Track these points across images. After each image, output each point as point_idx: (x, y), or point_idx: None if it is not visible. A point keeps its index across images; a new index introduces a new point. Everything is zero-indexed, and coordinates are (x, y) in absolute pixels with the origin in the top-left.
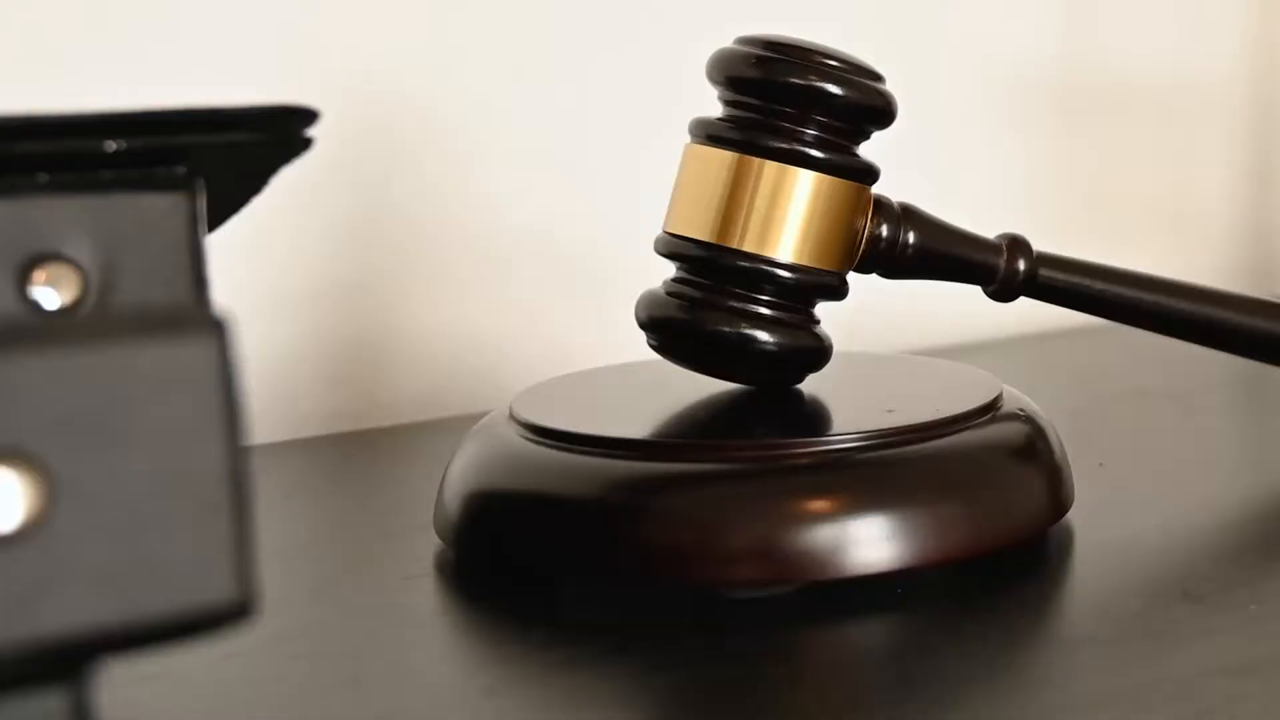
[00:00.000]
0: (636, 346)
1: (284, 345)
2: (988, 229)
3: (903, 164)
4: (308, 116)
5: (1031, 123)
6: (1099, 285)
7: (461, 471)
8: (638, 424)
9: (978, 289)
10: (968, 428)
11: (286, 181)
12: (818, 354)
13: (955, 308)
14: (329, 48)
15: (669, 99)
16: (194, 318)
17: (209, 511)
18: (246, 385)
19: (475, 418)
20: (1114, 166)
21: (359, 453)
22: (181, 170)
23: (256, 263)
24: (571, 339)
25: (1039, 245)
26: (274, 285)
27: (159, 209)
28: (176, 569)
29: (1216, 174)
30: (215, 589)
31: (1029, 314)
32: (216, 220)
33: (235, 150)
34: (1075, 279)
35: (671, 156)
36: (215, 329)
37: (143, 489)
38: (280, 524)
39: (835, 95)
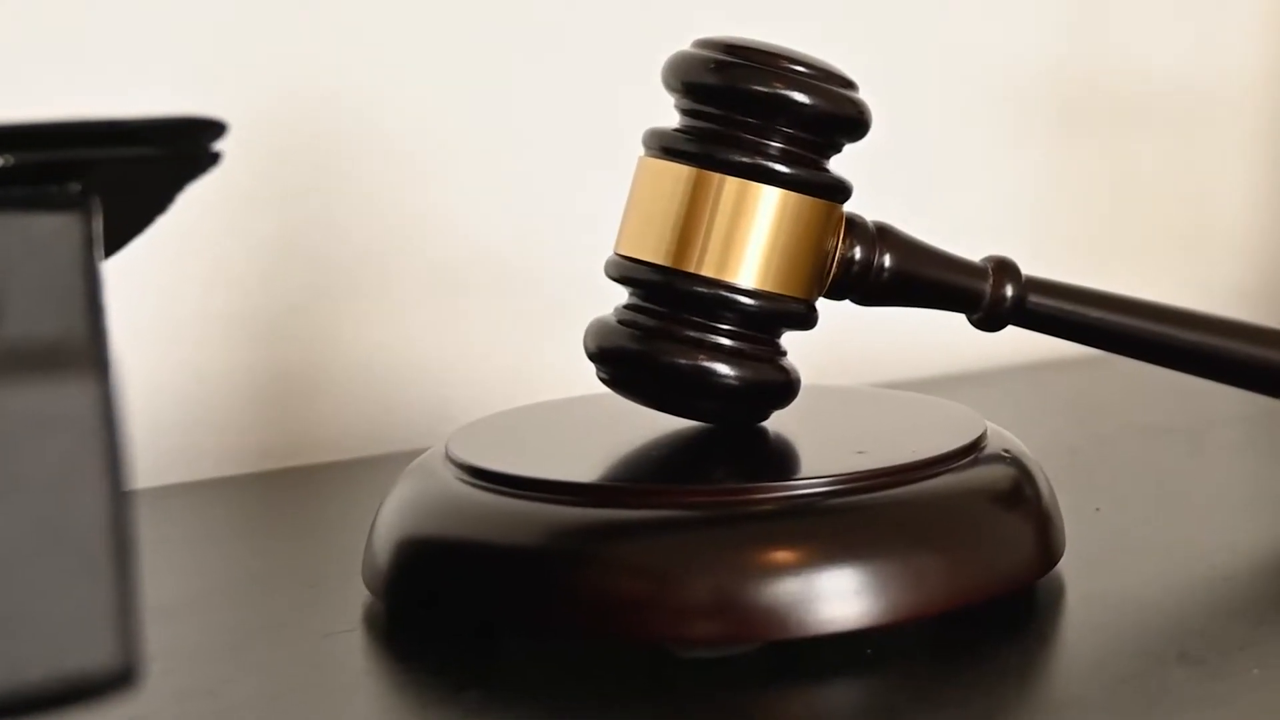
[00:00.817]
0: (594, 379)
1: (206, 375)
2: (979, 252)
3: (880, 180)
4: (215, 129)
5: (1028, 134)
6: (1094, 313)
7: (393, 516)
8: (585, 465)
9: (961, 317)
10: (947, 470)
11: (212, 196)
12: (783, 389)
13: (937, 337)
14: (260, 54)
15: (628, 108)
16: (73, 354)
17: (87, 567)
18: (133, 427)
19: (416, 455)
20: (1121, 182)
21: (286, 493)
22: (75, 188)
23: (176, 285)
24: (522, 370)
25: (1036, 270)
26: (196, 309)
27: (49, 230)
28: (51, 631)
29: (1235, 189)
30: (94, 653)
31: (1019, 344)
32: (116, 242)
33: (135, 165)
34: (1068, 306)
35: (623, 172)
36: (97, 366)
37: (13, 542)
38: (195, 571)
39: (802, 104)
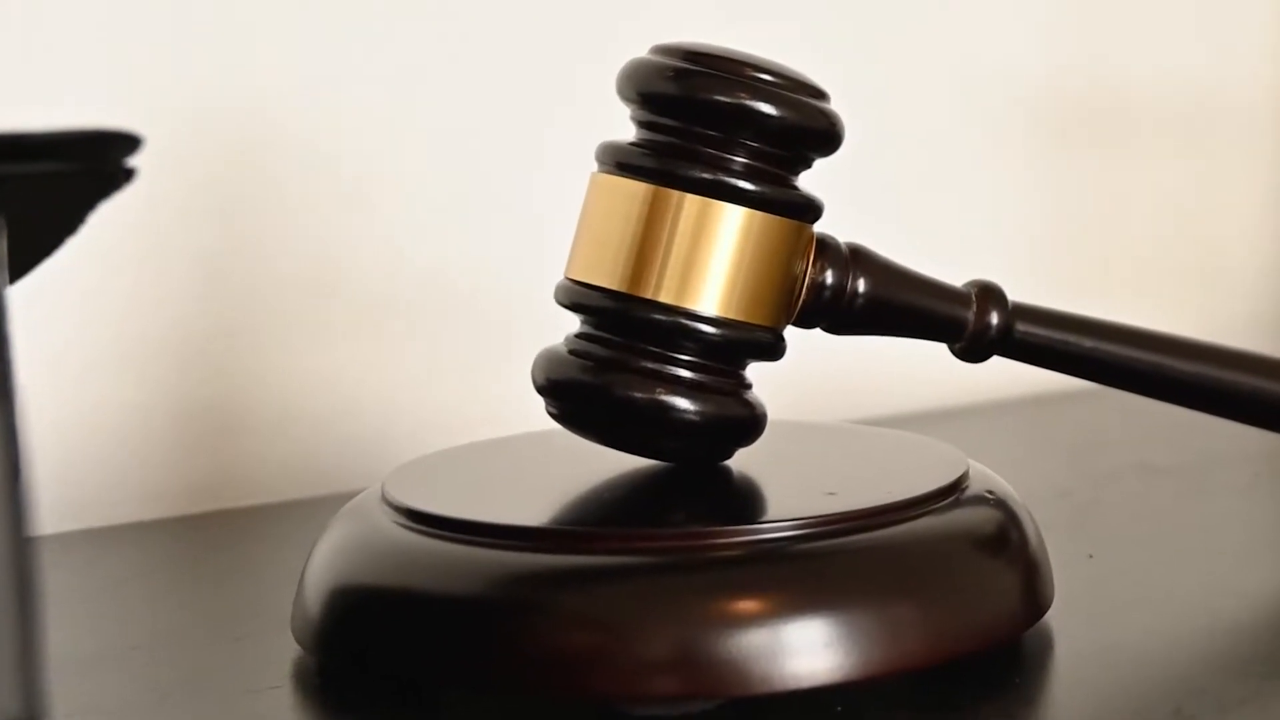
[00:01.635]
0: (543, 414)
1: (124, 409)
2: (962, 277)
3: (854, 198)
4: (128, 143)
5: (1018, 148)
6: (1088, 342)
7: (325, 563)
8: (533, 507)
9: (942, 347)
10: (926, 513)
11: (130, 216)
12: (748, 425)
13: (915, 369)
14: (188, 67)
15: (579, 120)
16: None
17: None
18: (43, 466)
19: (351, 497)
20: (1119, 201)
21: (211, 538)
22: None
23: (91, 312)
24: (465, 404)
25: (1024, 296)
26: (113, 338)
27: None
28: None
29: (1244, 208)
30: None
31: (1005, 376)
32: (22, 265)
33: (42, 182)
34: (1058, 335)
35: (576, 190)
36: None
37: None
38: (114, 622)
39: (769, 115)
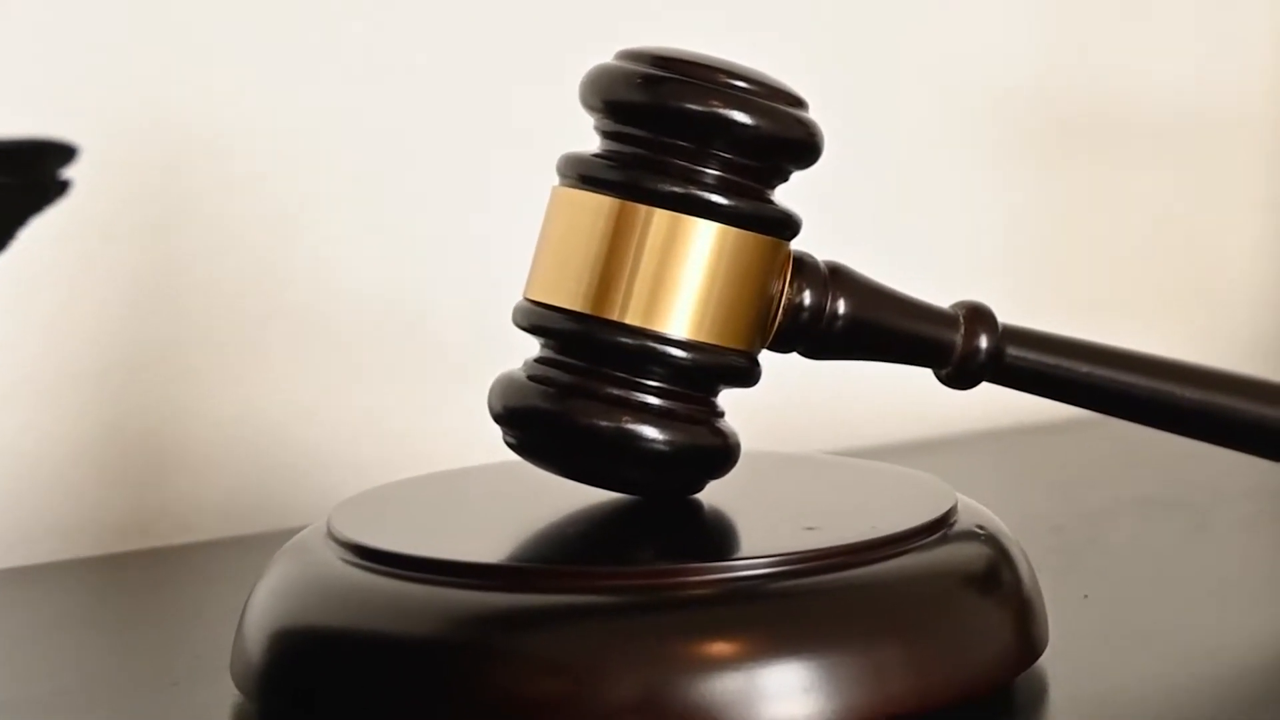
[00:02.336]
0: (501, 444)
1: (48, 440)
2: (949, 297)
3: (834, 213)
4: (63, 153)
5: (1008, 161)
6: (1083, 368)
7: (266, 603)
8: (490, 543)
9: (928, 372)
10: (911, 550)
11: (55, 231)
12: (720, 455)
13: (900, 396)
14: (117, 77)
15: (539, 129)
16: None
17: None
18: None
19: (294, 533)
20: (1115, 217)
21: (143, 578)
22: None
23: (14, 335)
24: (416, 433)
25: (1016, 318)
26: (37, 363)
27: None
28: None
29: (1247, 226)
30: None
31: (995, 404)
32: None
33: None
34: (1052, 360)
35: (536, 202)
36: None
37: None
38: (40, 668)
39: (744, 125)
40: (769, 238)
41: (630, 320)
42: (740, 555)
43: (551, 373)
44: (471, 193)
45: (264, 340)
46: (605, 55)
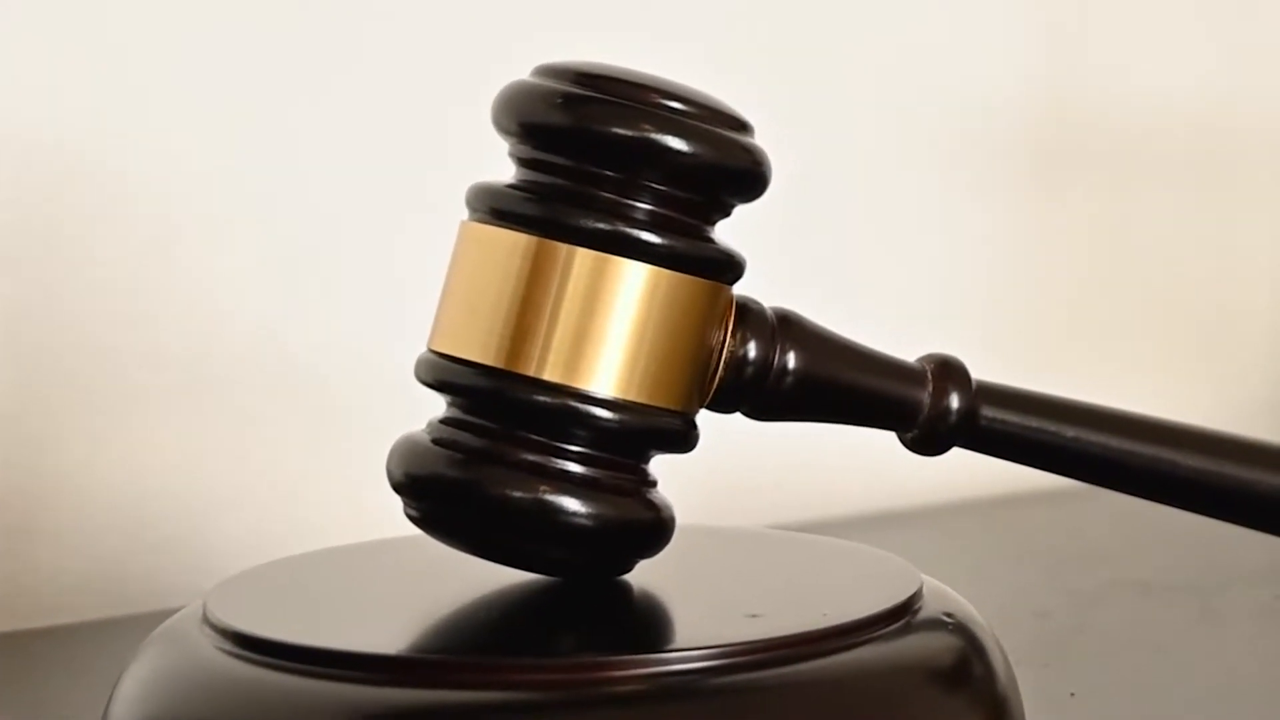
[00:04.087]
0: (402, 516)
1: None
2: (916, 349)
3: (784, 253)
4: None
5: (986, 191)
6: (1069, 431)
7: (134, 697)
8: (390, 632)
9: (892, 436)
10: (870, 640)
11: None
12: (652, 530)
13: (859, 463)
14: None
15: (446, 156)
16: None
17: None
18: None
19: (166, 617)
20: (1111, 252)
21: None
22: None
23: None
24: (305, 502)
25: (993, 373)
26: None
27: None
28: None
29: (1262, 263)
30: None
31: (968, 471)
32: None
33: None
34: (1033, 421)
35: (443, 239)
36: None
37: None
38: None
39: (679, 152)
40: (708, 281)
41: (549, 376)
42: (674, 646)
43: (459, 435)
44: (373, 224)
45: (133, 392)
46: (522, 71)
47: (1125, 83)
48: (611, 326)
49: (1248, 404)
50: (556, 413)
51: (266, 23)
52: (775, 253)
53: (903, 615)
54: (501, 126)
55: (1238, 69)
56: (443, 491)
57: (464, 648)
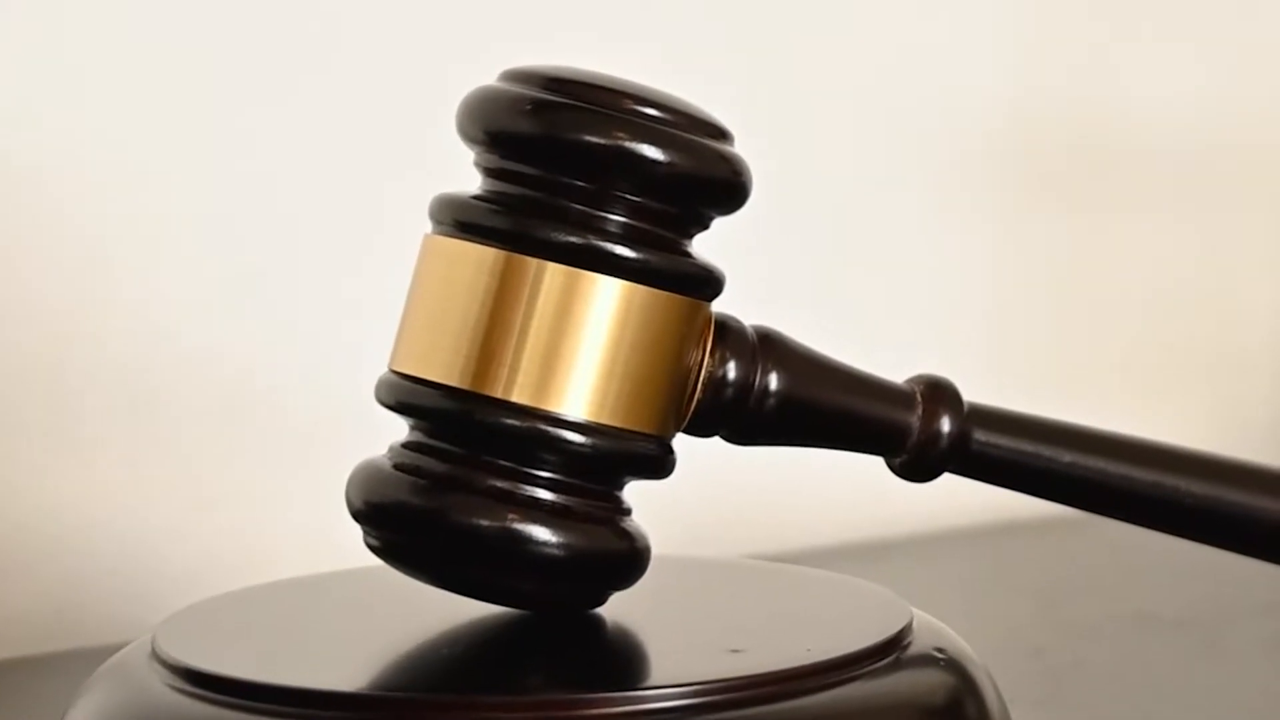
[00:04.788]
0: (362, 546)
1: None
2: (905, 370)
3: (766, 268)
4: None
5: (978, 206)
6: (1065, 456)
7: None
8: (348, 668)
9: (879, 461)
10: (858, 677)
11: None
12: (626, 561)
13: (846, 490)
14: None
15: (407, 166)
16: None
17: None
18: None
19: (113, 652)
20: (1107, 271)
21: None
22: None
23: None
24: (260, 532)
25: (986, 396)
26: None
27: None
28: None
29: (1264, 280)
30: None
31: (960, 499)
32: None
33: None
34: (1028, 446)
35: (406, 253)
36: None
37: None
38: None
39: (654, 161)
40: (685, 298)
41: (518, 398)
42: (650, 684)
43: (422, 461)
44: (330, 235)
45: (73, 414)
46: (489, 75)
47: (1122, 95)
48: (583, 345)
49: (1250, 426)
50: (525, 436)
51: (216, 22)
52: (756, 268)
53: (892, 651)
54: (467, 134)
55: (1239, 79)
56: (405, 520)
57: (427, 685)
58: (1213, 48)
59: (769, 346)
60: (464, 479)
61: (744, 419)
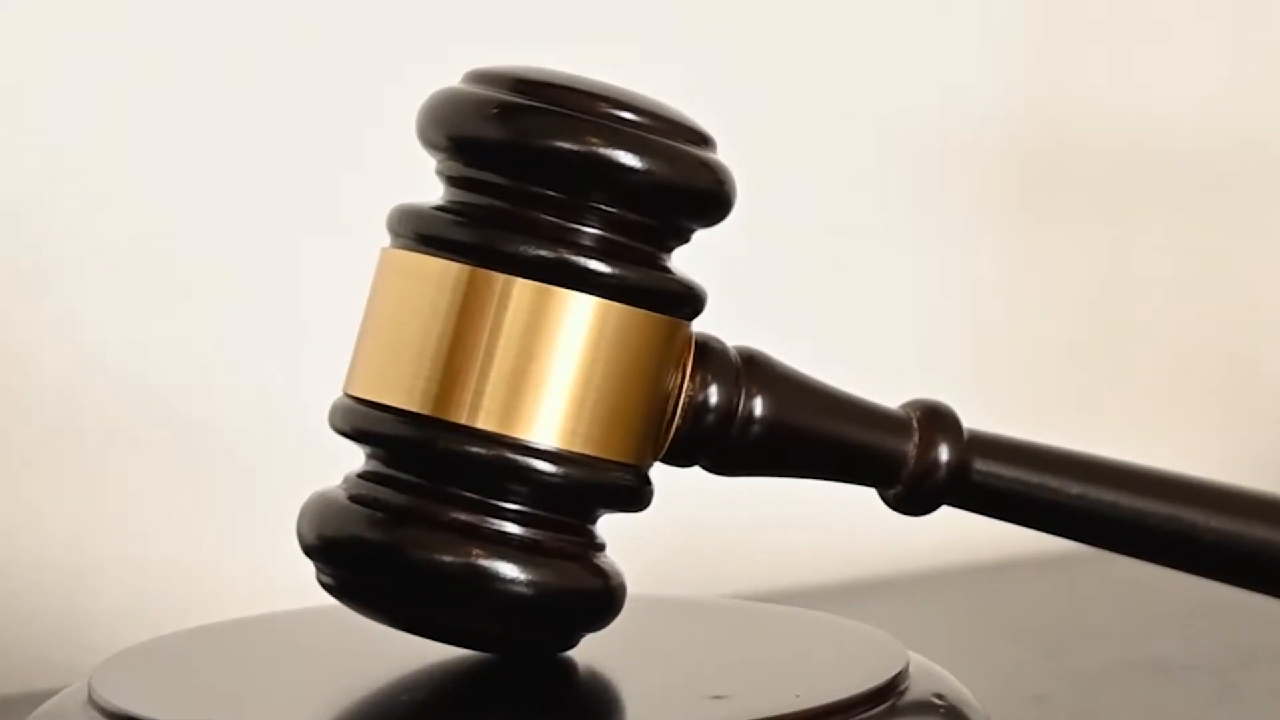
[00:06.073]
0: (315, 584)
1: None
2: (900, 395)
3: (750, 285)
4: None
5: (976, 219)
6: (1073, 487)
7: None
8: (300, 716)
9: (872, 493)
10: None
11: None
12: (599, 600)
13: (834, 524)
14: None
15: (365, 173)
16: None
17: None
18: None
19: (46, 697)
20: (1117, 289)
21: None
22: None
23: None
24: (204, 568)
25: (986, 423)
26: None
27: None
28: None
29: None
30: None
31: (958, 533)
32: None
33: None
34: (1032, 476)
35: (362, 268)
36: None
37: None
38: None
39: (631, 169)
40: (663, 316)
41: (483, 425)
42: None
43: (380, 492)
44: (277, 249)
45: (9, 447)
46: (453, 76)
47: (1125, 101)
48: (554, 368)
49: (1268, 455)
50: (491, 466)
51: (152, 25)
52: (739, 284)
53: (887, 697)
54: (429, 140)
55: (1251, 80)
56: (361, 556)
57: None
58: (1221, 47)
59: (753, 369)
60: (425, 511)
61: (726, 447)
